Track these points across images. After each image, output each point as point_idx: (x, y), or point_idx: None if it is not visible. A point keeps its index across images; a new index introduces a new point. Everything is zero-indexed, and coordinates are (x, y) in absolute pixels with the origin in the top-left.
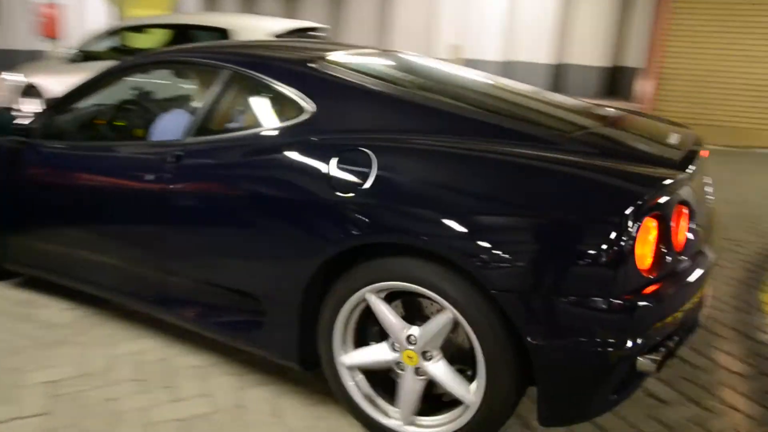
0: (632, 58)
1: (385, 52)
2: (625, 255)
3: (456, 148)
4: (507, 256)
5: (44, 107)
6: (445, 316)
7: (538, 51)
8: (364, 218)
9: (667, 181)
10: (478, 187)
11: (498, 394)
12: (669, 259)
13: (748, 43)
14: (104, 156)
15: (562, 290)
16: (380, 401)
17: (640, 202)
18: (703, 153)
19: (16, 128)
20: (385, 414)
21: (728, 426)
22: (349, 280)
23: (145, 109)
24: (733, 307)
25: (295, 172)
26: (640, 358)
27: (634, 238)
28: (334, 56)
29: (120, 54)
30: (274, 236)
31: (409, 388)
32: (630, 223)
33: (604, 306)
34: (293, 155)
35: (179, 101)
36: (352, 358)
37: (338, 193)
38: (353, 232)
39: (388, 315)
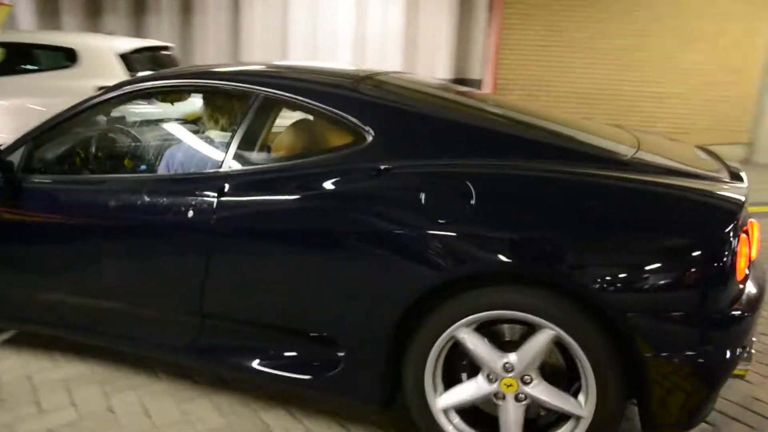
0: (474, 70)
1: (404, 76)
2: (730, 269)
3: (547, 172)
4: (621, 276)
5: (23, 136)
6: (544, 336)
7: (387, 64)
8: (471, 247)
9: (744, 197)
10: (583, 211)
11: (608, 405)
12: (749, 270)
13: (568, 56)
14: (116, 192)
15: (674, 306)
16: None
17: (737, 219)
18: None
19: None
20: None
21: None
22: (440, 315)
23: (149, 139)
24: None
25: (380, 202)
26: (739, 366)
27: (735, 253)
28: (379, 80)
29: None
30: (356, 272)
31: (513, 416)
32: (732, 240)
33: (715, 318)
34: (372, 184)
35: (193, 130)
36: (448, 399)
37: (440, 222)
38: (459, 263)
39: (482, 347)
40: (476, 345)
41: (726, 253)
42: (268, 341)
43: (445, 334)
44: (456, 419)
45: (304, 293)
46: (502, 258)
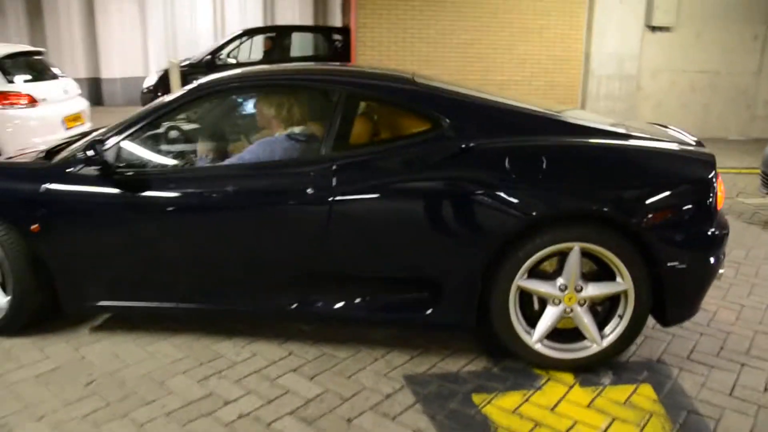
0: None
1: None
2: (714, 202)
3: (581, 143)
4: (654, 211)
5: (106, 132)
6: (574, 253)
7: None
8: (547, 197)
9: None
10: (618, 167)
11: (641, 277)
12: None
13: (423, 50)
14: (231, 177)
15: (689, 227)
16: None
17: (715, 168)
18: None
19: (78, 160)
20: (528, 333)
21: None
22: (524, 250)
23: (240, 131)
24: None
25: (473, 169)
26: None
27: (716, 191)
28: (420, 77)
29: None
30: (458, 225)
31: (585, 318)
32: (714, 182)
33: (712, 234)
34: (463, 157)
35: (275, 123)
36: (537, 334)
37: (521, 181)
38: (538, 208)
39: (539, 285)
40: (535, 285)
41: (712, 191)
42: (376, 291)
43: (547, 249)
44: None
45: (415, 246)
46: (568, 203)
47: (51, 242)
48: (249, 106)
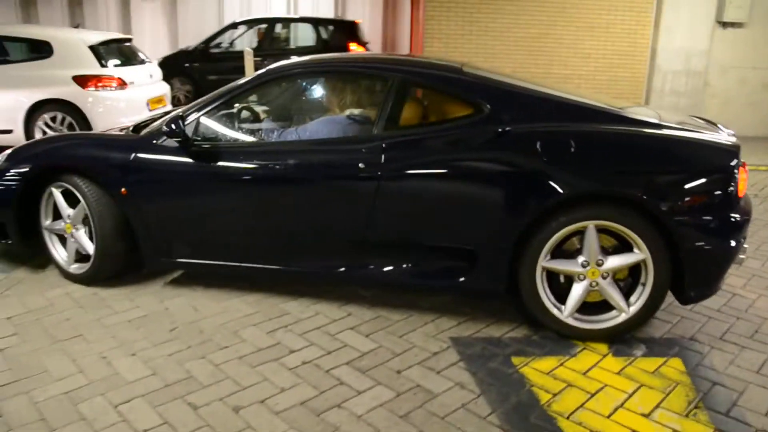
0: None
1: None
2: (736, 189)
3: (612, 130)
4: (674, 195)
5: (187, 109)
6: (591, 231)
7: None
8: (575, 177)
9: (737, 141)
10: (647, 155)
11: (659, 250)
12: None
13: (488, 43)
14: (289, 152)
15: (708, 211)
16: (552, 297)
17: (738, 156)
18: None
19: (162, 132)
20: (558, 309)
21: None
22: (557, 222)
23: (303, 111)
24: None
25: (510, 151)
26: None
27: (738, 179)
28: (468, 66)
29: None
30: (495, 200)
31: (609, 289)
32: (736, 170)
33: (732, 219)
34: (500, 140)
35: (334, 105)
36: (568, 309)
37: (553, 162)
38: (569, 186)
39: (562, 263)
40: (559, 264)
41: (733, 178)
42: (417, 258)
43: (569, 227)
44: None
45: (456, 218)
46: (596, 183)
47: (136, 204)
48: (312, 90)
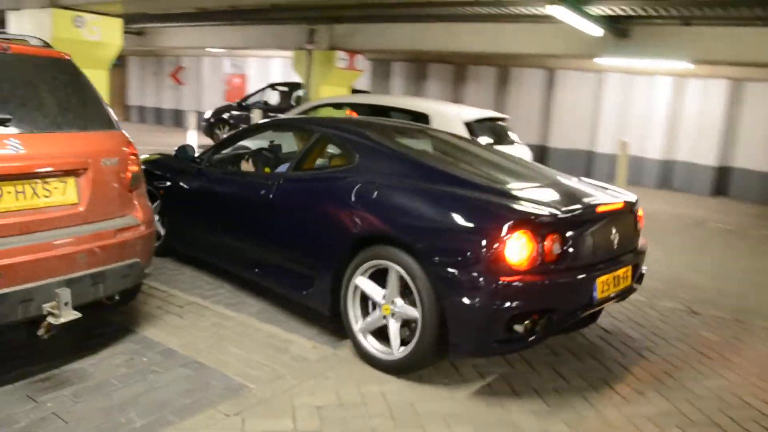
0: None
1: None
2: (500, 254)
3: (415, 185)
4: (439, 245)
5: (209, 147)
6: (394, 274)
7: (700, 152)
8: (372, 219)
9: (541, 213)
10: (426, 209)
11: (430, 309)
12: (538, 263)
13: None
14: (240, 180)
15: (467, 268)
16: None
17: (510, 221)
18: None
19: (193, 158)
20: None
21: None
22: (356, 260)
23: (266, 154)
24: None
25: (337, 192)
26: (516, 325)
27: (501, 243)
28: (375, 129)
29: None
30: (326, 230)
31: (393, 327)
32: (498, 233)
33: (488, 280)
34: (340, 184)
35: (287, 149)
36: (362, 324)
37: (358, 206)
38: (366, 226)
39: (371, 287)
40: (367, 286)
41: (490, 239)
42: (288, 268)
43: (357, 271)
44: (367, 335)
45: (302, 241)
46: (391, 228)
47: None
48: (276, 137)
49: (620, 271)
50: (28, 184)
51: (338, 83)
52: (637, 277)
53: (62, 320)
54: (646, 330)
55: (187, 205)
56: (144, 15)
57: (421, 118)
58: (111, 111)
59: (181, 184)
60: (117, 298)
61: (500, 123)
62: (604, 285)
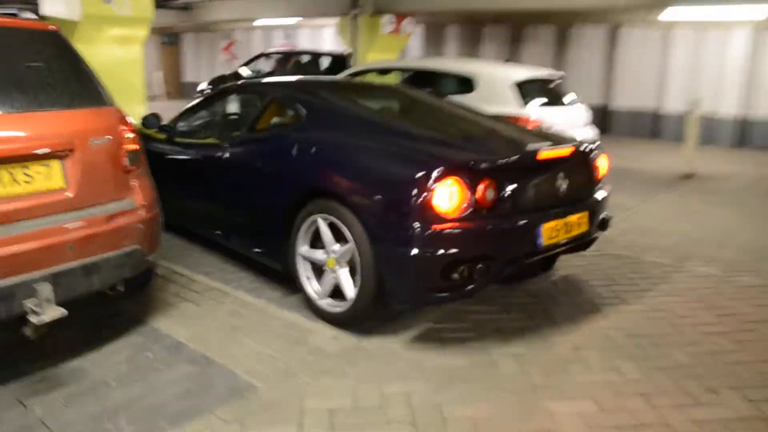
0: None
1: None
2: (429, 202)
3: (352, 140)
4: (372, 196)
5: (175, 116)
6: (323, 222)
7: None
8: (310, 174)
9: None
10: (361, 161)
11: (364, 246)
12: (470, 210)
13: None
14: (200, 145)
15: (399, 217)
16: (314, 282)
17: (438, 169)
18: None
19: (159, 128)
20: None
21: None
22: (305, 211)
23: (224, 119)
24: None
25: (282, 150)
26: (453, 274)
27: (424, 191)
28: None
29: None
30: (272, 187)
31: (327, 279)
32: (420, 184)
33: (419, 229)
34: (284, 141)
35: (242, 114)
36: (306, 251)
37: (298, 162)
38: (304, 182)
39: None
40: (311, 253)
41: (412, 189)
42: (243, 228)
43: (310, 219)
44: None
45: (252, 198)
46: (326, 183)
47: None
48: (235, 102)
49: (572, 218)
50: (4, 170)
51: (386, 49)
52: (599, 224)
53: (45, 318)
54: (718, 310)
55: (156, 174)
56: None
57: (467, 81)
58: (103, 86)
59: (150, 152)
60: (121, 289)
61: (556, 82)
62: (551, 231)
